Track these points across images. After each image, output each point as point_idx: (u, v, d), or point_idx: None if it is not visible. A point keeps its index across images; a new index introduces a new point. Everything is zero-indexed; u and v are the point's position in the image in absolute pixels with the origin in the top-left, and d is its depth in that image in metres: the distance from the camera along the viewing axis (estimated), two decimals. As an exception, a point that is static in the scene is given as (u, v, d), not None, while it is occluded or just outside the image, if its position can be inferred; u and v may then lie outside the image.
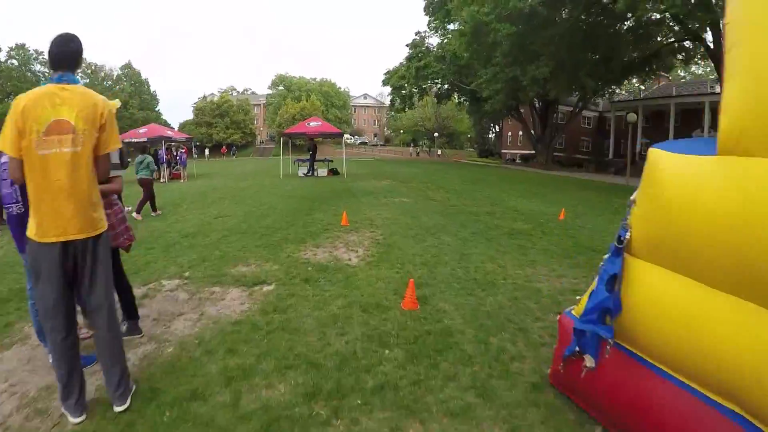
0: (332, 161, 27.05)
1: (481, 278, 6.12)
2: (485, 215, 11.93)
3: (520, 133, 53.32)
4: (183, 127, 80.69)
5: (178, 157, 25.55)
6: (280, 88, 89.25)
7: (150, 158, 12.28)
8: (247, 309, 4.93)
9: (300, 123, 29.71)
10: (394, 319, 4.58)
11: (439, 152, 65.69)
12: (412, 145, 77.37)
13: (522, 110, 44.72)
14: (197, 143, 68.87)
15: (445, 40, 44.83)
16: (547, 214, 12.72)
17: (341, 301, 5.13)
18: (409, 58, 48.52)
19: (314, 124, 25.74)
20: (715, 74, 45.69)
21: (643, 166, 2.75)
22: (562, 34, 26.47)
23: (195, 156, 55.24)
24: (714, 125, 32.35)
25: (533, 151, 46.01)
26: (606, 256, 2.97)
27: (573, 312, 3.31)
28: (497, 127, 68.12)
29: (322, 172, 25.14)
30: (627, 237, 2.75)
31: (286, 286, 5.71)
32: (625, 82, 39.64)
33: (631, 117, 28.08)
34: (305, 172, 24.64)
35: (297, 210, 12.25)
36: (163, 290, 5.61)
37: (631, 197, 2.79)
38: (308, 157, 25.01)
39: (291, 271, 6.37)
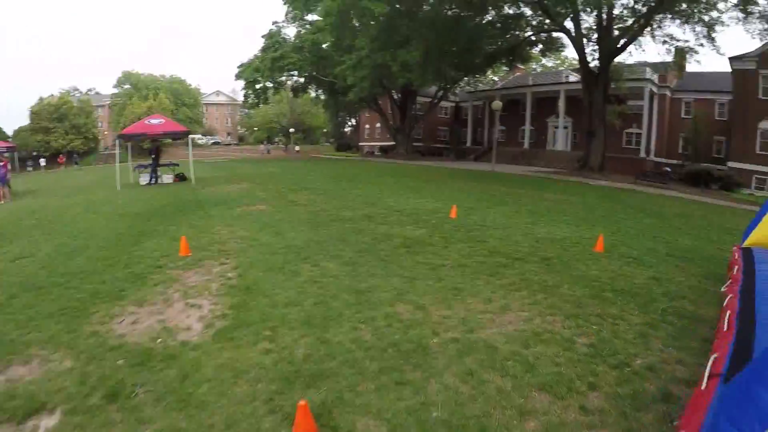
0: (179, 165, 24.35)
1: (403, 339, 4.22)
2: (365, 221, 10.15)
3: (378, 124, 55.22)
4: (17, 134, 70.08)
5: (-4, 172, 20.61)
6: (127, 86, 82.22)
7: None
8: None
9: (139, 122, 25.91)
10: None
11: (298, 148, 64.50)
12: (265, 142, 75.87)
13: (380, 102, 46.26)
14: (34, 152, 61.94)
15: (303, 31, 45.27)
16: (436, 212, 11.48)
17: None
18: (264, 49, 47.29)
19: (156, 122, 22.69)
20: (569, 64, 53.05)
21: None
22: (432, 19, 27.18)
23: (29, 168, 51.26)
24: (569, 111, 36.94)
25: (393, 143, 47.79)
26: None
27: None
28: (354, 120, 69.84)
29: (168, 178, 22.40)
30: None
31: (77, 414, 3.15)
32: (479, 74, 43.06)
33: (496, 105, 29.89)
34: (148, 180, 21.84)
35: (123, 237, 9.01)
36: None
37: None
38: (151, 162, 22.20)
39: (91, 372, 3.73)
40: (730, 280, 5.07)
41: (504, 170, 28.73)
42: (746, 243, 6.59)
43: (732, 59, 29.84)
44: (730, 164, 29.89)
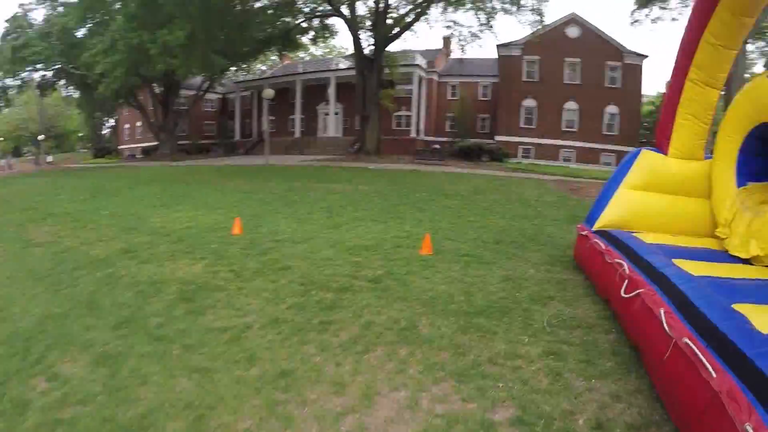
0: None
1: None
2: (124, 260, 7.29)
3: (139, 123, 51.75)
4: None
5: None
6: None
7: None
8: None
9: None
10: None
11: (50, 158, 54.80)
12: (8, 156, 63.36)
13: (140, 97, 42.35)
14: None
15: (53, 13, 39.23)
16: (214, 229, 9.18)
17: None
18: (4, 36, 39.63)
19: None
20: (337, 52, 56.29)
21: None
22: None
23: None
24: (339, 98, 38.58)
25: (156, 142, 44.19)
26: None
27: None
28: (113, 121, 65.20)
29: None
30: None
31: None
32: (248, 62, 42.72)
33: (268, 93, 28.99)
34: None
35: None
36: None
37: None
38: None
39: None
40: (628, 281, 4.30)
41: (279, 162, 27.77)
42: (598, 225, 6.20)
43: (499, 46, 35.12)
44: (498, 138, 34.91)
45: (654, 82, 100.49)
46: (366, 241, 7.99)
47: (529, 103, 34.94)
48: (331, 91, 38.71)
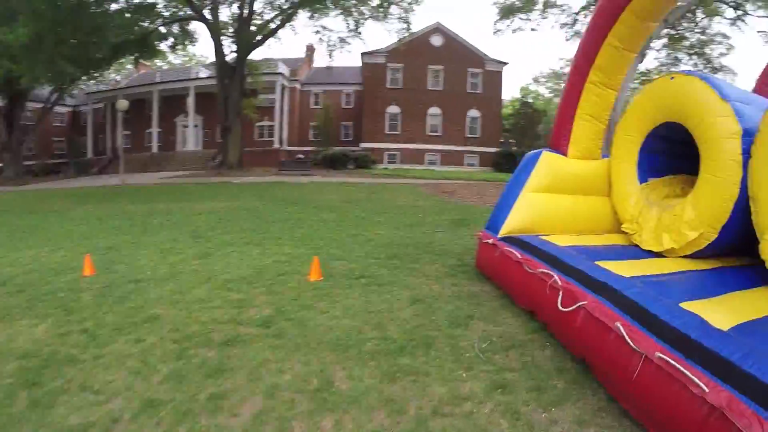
0: None
1: None
2: None
3: None
4: None
5: None
6: None
7: None
8: None
9: None
10: None
11: None
12: None
13: None
14: None
15: None
16: (62, 270, 7.14)
17: None
18: None
19: None
20: (196, 61, 54.84)
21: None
22: None
23: None
24: (199, 109, 37.05)
25: None
26: None
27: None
28: None
29: None
30: None
31: None
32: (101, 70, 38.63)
33: (122, 104, 26.86)
34: None
35: None
36: None
37: None
38: None
39: None
40: (563, 293, 3.97)
41: (136, 181, 25.56)
42: (504, 232, 5.92)
43: (364, 54, 36.23)
44: (363, 145, 35.73)
45: (513, 86, 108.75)
46: (244, 270, 6.83)
47: (394, 109, 36.24)
48: (191, 101, 37.17)
